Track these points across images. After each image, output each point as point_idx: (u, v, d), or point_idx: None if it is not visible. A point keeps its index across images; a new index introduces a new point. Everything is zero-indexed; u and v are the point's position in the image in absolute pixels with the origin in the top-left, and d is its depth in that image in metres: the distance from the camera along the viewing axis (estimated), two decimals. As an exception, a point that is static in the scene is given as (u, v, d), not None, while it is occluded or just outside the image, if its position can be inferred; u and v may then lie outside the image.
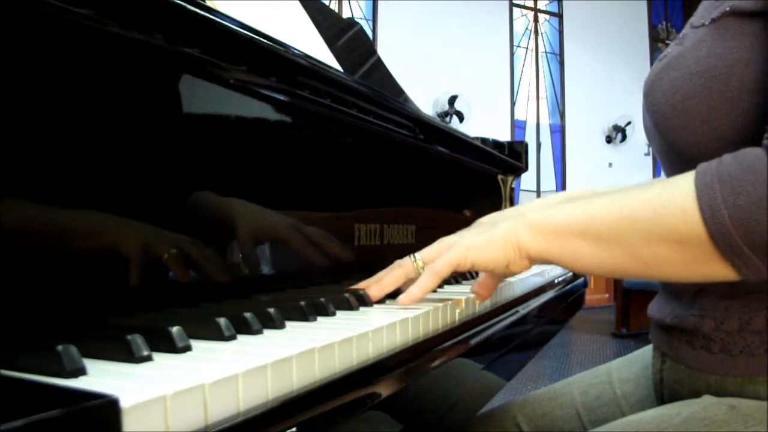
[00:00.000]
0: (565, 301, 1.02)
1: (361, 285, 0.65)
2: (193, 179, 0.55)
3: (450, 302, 0.63)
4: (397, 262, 0.65)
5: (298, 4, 1.02)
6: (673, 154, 0.61)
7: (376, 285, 0.64)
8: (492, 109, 5.95)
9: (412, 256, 0.64)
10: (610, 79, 6.61)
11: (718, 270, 0.49)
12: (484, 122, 5.50)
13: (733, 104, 0.54)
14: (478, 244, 0.60)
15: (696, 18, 0.61)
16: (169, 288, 0.53)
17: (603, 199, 0.56)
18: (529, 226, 0.59)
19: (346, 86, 0.76)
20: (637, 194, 0.53)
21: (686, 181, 0.50)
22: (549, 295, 0.95)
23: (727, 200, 0.47)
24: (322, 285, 0.74)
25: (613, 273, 0.57)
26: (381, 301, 0.64)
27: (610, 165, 6.61)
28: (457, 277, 0.88)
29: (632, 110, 6.44)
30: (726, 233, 0.47)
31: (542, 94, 6.50)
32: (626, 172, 6.50)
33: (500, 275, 0.66)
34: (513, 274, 0.63)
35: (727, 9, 0.55)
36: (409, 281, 0.63)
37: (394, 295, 0.65)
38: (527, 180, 6.08)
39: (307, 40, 0.97)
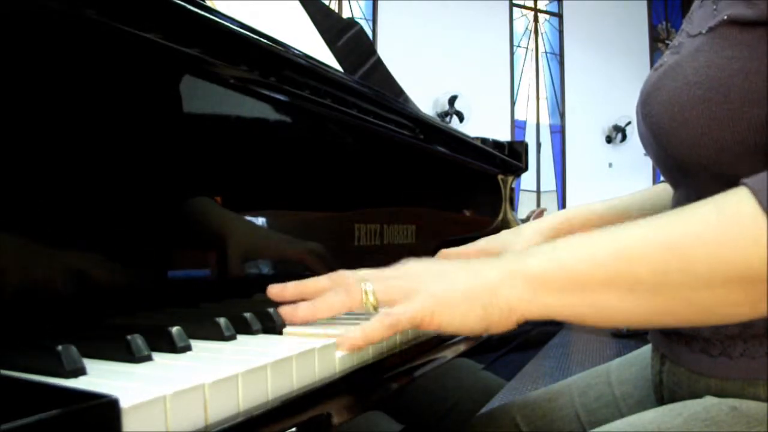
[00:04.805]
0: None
1: (287, 294, 0.51)
2: (192, 179, 0.55)
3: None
4: (343, 283, 0.49)
5: (298, 4, 1.02)
6: (671, 164, 0.61)
7: (308, 306, 0.49)
8: (492, 109, 5.95)
9: (364, 284, 0.48)
10: (610, 79, 6.60)
11: None
12: (484, 122, 5.49)
13: (734, 115, 0.52)
14: (449, 302, 0.45)
15: (692, 26, 0.59)
16: (169, 288, 0.53)
17: (632, 231, 0.44)
18: (529, 280, 0.45)
19: (346, 86, 0.76)
20: (679, 224, 0.43)
21: (745, 204, 0.41)
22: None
23: None
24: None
25: (649, 324, 0.47)
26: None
27: (610, 165, 6.60)
28: None
29: (632, 110, 6.28)
30: None
31: (542, 94, 6.50)
32: (626, 172, 6.50)
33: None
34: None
35: (725, 18, 0.53)
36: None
37: None
38: (527, 180, 6.08)
39: (307, 40, 0.97)
